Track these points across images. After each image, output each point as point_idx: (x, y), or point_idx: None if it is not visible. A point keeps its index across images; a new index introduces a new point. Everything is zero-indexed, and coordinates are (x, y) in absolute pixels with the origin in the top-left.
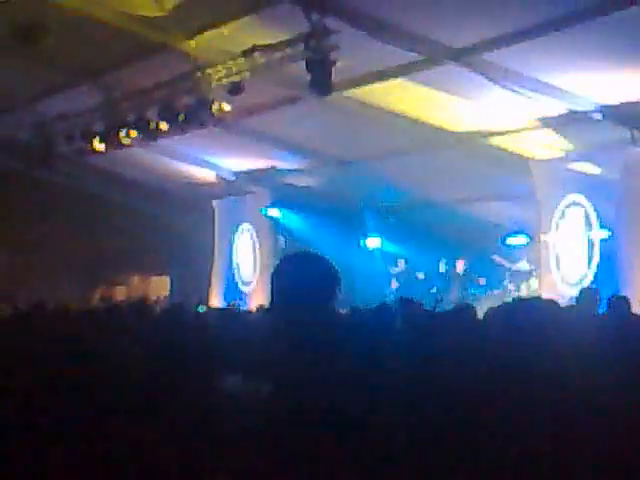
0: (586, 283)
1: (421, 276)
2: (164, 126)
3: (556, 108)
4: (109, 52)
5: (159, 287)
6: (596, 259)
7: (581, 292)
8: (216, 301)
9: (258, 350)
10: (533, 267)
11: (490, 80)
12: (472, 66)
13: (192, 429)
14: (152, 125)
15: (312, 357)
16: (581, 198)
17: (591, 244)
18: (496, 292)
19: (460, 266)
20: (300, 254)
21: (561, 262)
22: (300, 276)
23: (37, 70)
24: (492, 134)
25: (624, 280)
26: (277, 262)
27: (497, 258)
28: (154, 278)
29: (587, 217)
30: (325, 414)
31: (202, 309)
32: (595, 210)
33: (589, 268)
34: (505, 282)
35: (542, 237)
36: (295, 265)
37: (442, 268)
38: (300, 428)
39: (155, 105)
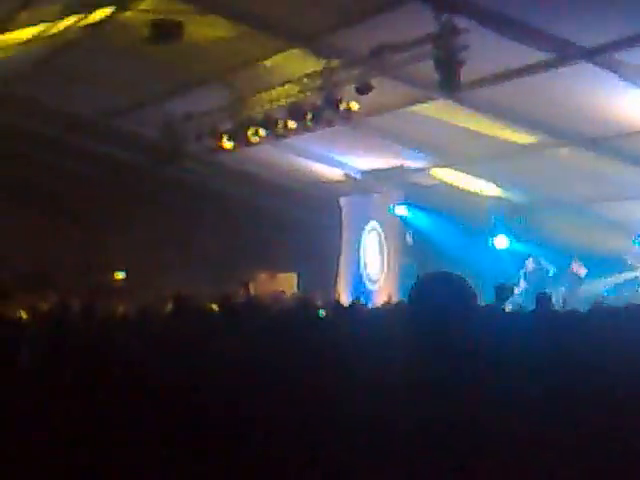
0: None
1: (552, 273)
2: (292, 125)
3: None
4: (237, 52)
5: (286, 284)
6: None
7: None
8: (343, 298)
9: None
10: None
11: (624, 79)
12: (605, 65)
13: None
14: (280, 124)
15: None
16: None
17: None
18: (627, 294)
19: (577, 267)
20: (438, 275)
21: None
22: (438, 297)
23: (167, 69)
24: (626, 134)
25: None
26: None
27: (629, 259)
28: (281, 275)
29: None
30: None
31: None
32: None
33: None
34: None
35: None
36: (433, 286)
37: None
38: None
39: (284, 104)
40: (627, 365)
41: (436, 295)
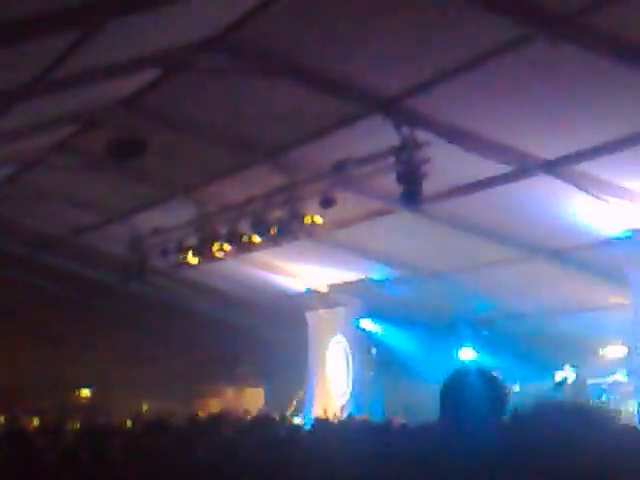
0: None
1: (517, 389)
2: (257, 239)
3: None
4: (202, 167)
5: (253, 399)
6: None
7: None
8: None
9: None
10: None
11: (582, 190)
12: (565, 177)
13: None
14: (245, 238)
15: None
16: None
17: None
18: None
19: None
20: (470, 369)
21: None
22: (471, 391)
23: (131, 185)
24: (583, 246)
25: None
26: (372, 374)
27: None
28: (248, 390)
29: None
30: None
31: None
32: None
33: None
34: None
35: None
36: (466, 380)
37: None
38: None
39: (248, 218)
40: None
41: (468, 387)
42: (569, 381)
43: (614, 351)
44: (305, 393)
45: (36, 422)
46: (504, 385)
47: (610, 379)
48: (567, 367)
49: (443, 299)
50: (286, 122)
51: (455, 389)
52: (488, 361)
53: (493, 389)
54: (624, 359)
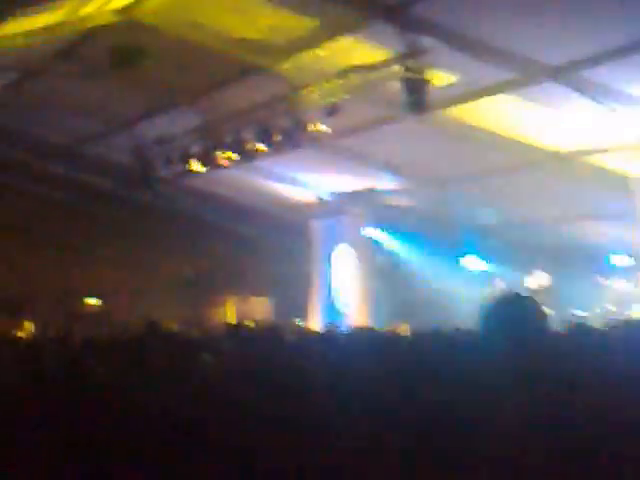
0: None
1: None
2: (261, 147)
3: None
4: (206, 74)
5: (260, 308)
6: None
7: None
8: (315, 322)
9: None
10: (634, 287)
11: (589, 98)
12: (571, 84)
13: None
14: (249, 146)
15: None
16: None
17: None
18: (598, 312)
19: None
20: (511, 296)
21: None
22: (512, 318)
23: (134, 93)
24: (592, 152)
25: None
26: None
27: (598, 278)
28: (254, 299)
29: None
30: None
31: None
32: None
33: None
34: (606, 303)
35: None
36: (507, 307)
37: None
38: None
39: (252, 126)
40: None
41: (509, 314)
42: (541, 287)
43: (619, 260)
44: (310, 303)
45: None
46: (544, 313)
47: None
48: (538, 272)
49: (449, 208)
50: (291, 28)
51: (498, 314)
52: (493, 269)
53: (535, 316)
54: (628, 269)
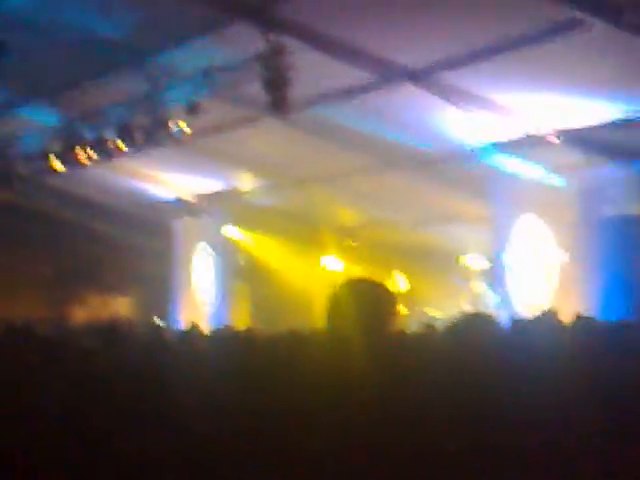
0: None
1: None
2: (122, 145)
3: (513, 131)
4: (66, 71)
5: (120, 307)
6: (554, 284)
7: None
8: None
9: None
10: (488, 288)
11: (447, 101)
12: (428, 87)
13: None
14: (110, 144)
15: None
16: (536, 218)
17: (549, 268)
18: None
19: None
20: (357, 280)
21: (520, 287)
22: (357, 301)
23: None
24: (449, 156)
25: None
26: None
27: (453, 279)
28: (115, 298)
29: (544, 238)
30: None
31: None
32: (552, 231)
33: (547, 294)
34: (462, 304)
35: (501, 258)
36: (351, 291)
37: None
38: None
39: (113, 124)
40: None
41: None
42: (399, 289)
43: (474, 261)
44: (171, 303)
45: None
46: (392, 295)
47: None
48: (395, 274)
49: (309, 208)
50: (152, 25)
51: (340, 300)
52: (353, 271)
53: (380, 299)
54: (484, 271)
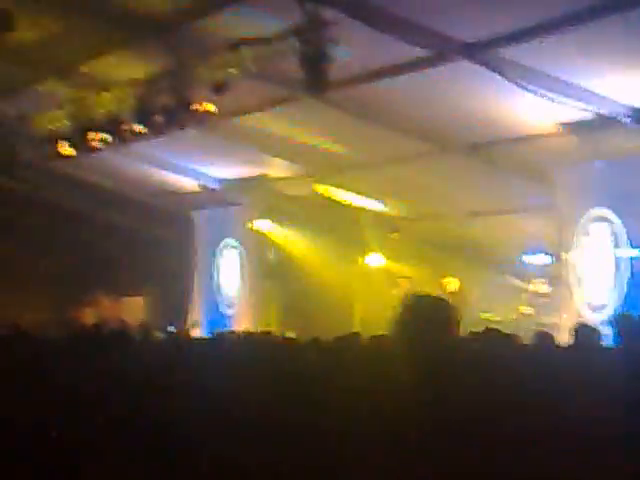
0: (611, 309)
1: None
2: (140, 128)
3: (582, 112)
4: (78, 44)
5: (133, 309)
6: (624, 282)
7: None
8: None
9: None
10: (552, 289)
11: (507, 79)
12: (486, 63)
13: None
14: (125, 127)
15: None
16: (608, 212)
17: (618, 264)
18: (511, 317)
19: (450, 286)
20: (419, 298)
21: (584, 284)
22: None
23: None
24: (510, 140)
25: None
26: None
27: (510, 278)
28: (127, 299)
29: (615, 234)
30: None
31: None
32: (624, 226)
33: (615, 292)
34: (521, 306)
35: (564, 256)
36: (415, 310)
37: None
38: None
39: (130, 105)
40: None
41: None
42: (451, 290)
43: (535, 259)
44: (191, 304)
45: None
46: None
47: (531, 288)
48: (449, 277)
49: (349, 199)
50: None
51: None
52: (398, 268)
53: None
54: (545, 268)
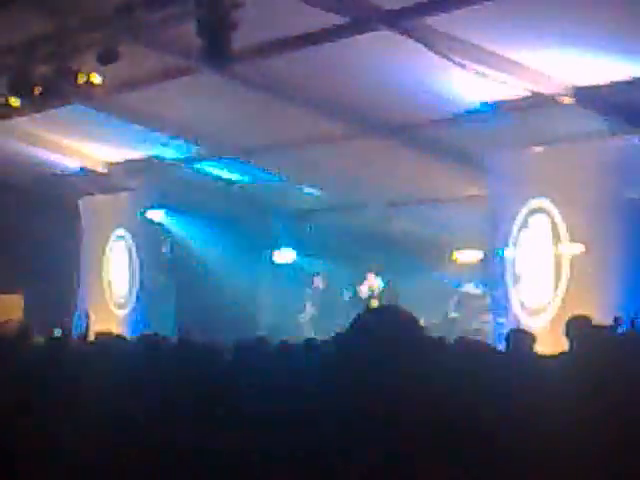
0: (552, 311)
1: (348, 297)
2: (15, 102)
3: (516, 90)
4: None
5: (10, 308)
6: (565, 281)
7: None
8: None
9: None
10: (485, 290)
11: (433, 51)
12: (410, 33)
13: None
14: (0, 100)
15: None
16: (546, 203)
17: (559, 262)
18: (436, 321)
19: (367, 286)
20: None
21: (521, 284)
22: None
23: None
24: (435, 121)
25: (598, 306)
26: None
27: (439, 277)
28: (3, 297)
29: (554, 227)
30: None
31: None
32: (564, 220)
33: (556, 292)
34: (449, 309)
35: (499, 252)
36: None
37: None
38: None
39: (3, 75)
40: None
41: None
42: (375, 294)
43: (467, 255)
44: (77, 302)
45: None
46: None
47: (463, 290)
48: (371, 276)
49: (254, 187)
50: None
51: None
52: (310, 264)
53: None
54: (478, 266)
